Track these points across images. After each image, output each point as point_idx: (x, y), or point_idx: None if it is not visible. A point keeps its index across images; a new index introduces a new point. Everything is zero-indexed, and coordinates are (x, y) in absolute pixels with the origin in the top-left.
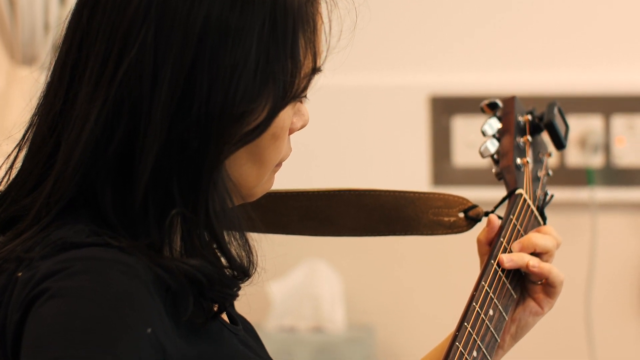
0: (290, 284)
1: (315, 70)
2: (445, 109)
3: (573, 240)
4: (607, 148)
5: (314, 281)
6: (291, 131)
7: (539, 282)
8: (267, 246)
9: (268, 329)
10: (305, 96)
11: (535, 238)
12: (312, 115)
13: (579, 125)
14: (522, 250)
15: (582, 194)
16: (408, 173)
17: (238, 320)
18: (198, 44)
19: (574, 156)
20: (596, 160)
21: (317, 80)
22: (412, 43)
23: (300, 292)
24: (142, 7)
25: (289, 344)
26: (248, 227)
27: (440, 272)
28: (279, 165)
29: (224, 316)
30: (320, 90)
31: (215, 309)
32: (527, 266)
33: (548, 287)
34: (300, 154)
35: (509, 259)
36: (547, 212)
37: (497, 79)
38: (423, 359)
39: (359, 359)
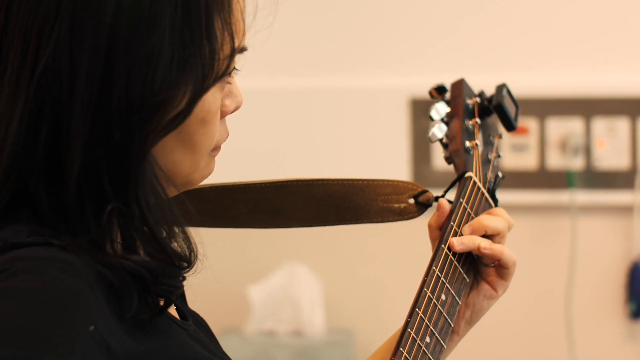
0: (270, 287)
1: (235, 50)
2: (426, 111)
3: (553, 243)
4: (587, 151)
5: (294, 285)
6: (224, 114)
7: (492, 265)
8: (246, 250)
9: (247, 333)
10: (229, 76)
11: (486, 220)
12: (291, 118)
13: (559, 128)
14: (472, 232)
15: (562, 196)
16: (388, 176)
17: (188, 316)
18: (111, 36)
19: (555, 159)
20: (576, 163)
21: (240, 60)
22: (392, 45)
23: (279, 295)
24: (53, 3)
25: (268, 348)
26: (196, 222)
27: (420, 276)
28: (216, 149)
29: (173, 312)
30: (299, 93)
31: (162, 303)
32: (478, 249)
33: (501, 269)
34: (278, 158)
35: (459, 242)
36: (527, 215)
37: (477, 82)
38: (378, 349)
39: None
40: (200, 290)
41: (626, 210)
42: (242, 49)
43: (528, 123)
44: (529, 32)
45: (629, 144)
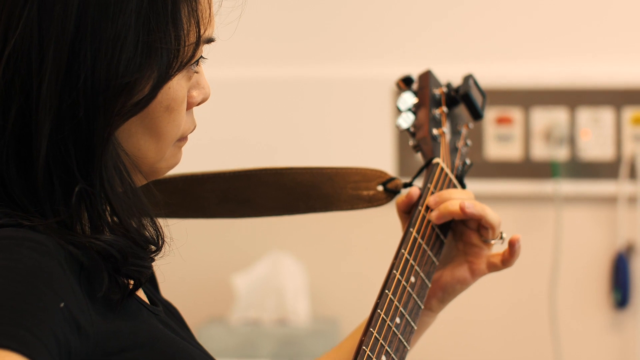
0: (255, 276)
1: (201, 38)
2: None
3: (538, 233)
4: (572, 141)
5: (278, 274)
6: (190, 105)
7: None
8: (231, 239)
9: (232, 322)
10: (196, 66)
11: (448, 192)
12: (275, 108)
13: (544, 118)
14: (441, 200)
15: (547, 187)
16: (374, 166)
17: (158, 302)
18: (79, 18)
19: (539, 149)
20: (561, 153)
21: (209, 50)
22: (377, 36)
23: (264, 284)
24: None
25: (253, 337)
26: (166, 212)
27: None
28: (183, 139)
29: (144, 297)
30: (284, 83)
31: (131, 285)
32: (461, 208)
33: (484, 230)
34: (263, 147)
35: (436, 215)
36: (512, 205)
37: (462, 72)
38: (351, 334)
39: (323, 351)
40: (185, 280)
41: (610, 200)
42: (210, 40)
43: (513, 113)
44: (515, 23)
45: (614, 134)
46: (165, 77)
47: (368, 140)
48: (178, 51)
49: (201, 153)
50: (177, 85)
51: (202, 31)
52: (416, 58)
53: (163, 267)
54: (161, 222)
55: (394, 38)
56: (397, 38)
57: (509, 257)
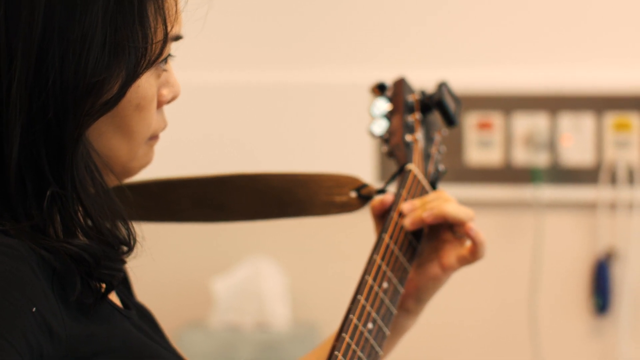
0: (235, 281)
1: (168, 35)
2: None
3: (518, 239)
4: (552, 146)
5: (258, 278)
6: (160, 103)
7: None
8: (211, 243)
9: (212, 326)
10: (164, 64)
11: (420, 199)
12: (257, 113)
13: (524, 124)
14: (414, 208)
15: (527, 192)
16: (354, 171)
17: (131, 306)
18: (45, 19)
19: (520, 154)
20: (542, 159)
21: (177, 48)
22: (357, 40)
23: (244, 289)
24: None
25: (232, 341)
26: (140, 216)
27: None
28: (154, 138)
29: (117, 301)
30: (266, 88)
31: (103, 289)
32: (423, 220)
33: (455, 226)
34: (244, 151)
35: (409, 222)
36: (492, 211)
37: (444, 76)
38: (326, 339)
39: (302, 355)
40: (165, 284)
41: (591, 206)
42: (177, 37)
43: (493, 118)
44: (495, 28)
45: (594, 140)
46: (133, 76)
47: (349, 145)
48: (146, 49)
49: (183, 157)
50: (147, 83)
51: (169, 28)
52: (397, 63)
53: (142, 272)
54: (136, 226)
55: (375, 43)
56: (378, 43)
57: (475, 247)
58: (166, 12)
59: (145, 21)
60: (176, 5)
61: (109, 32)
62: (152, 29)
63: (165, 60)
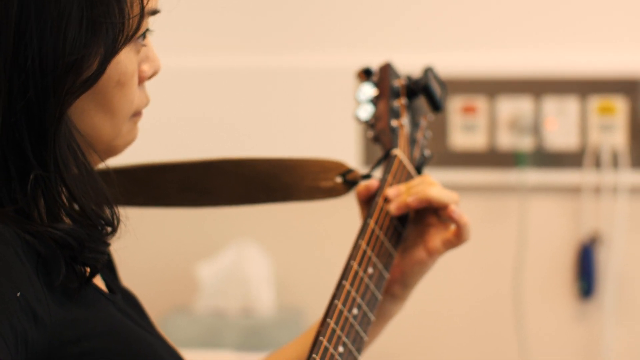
0: (219, 266)
1: (144, 9)
2: None
3: (503, 222)
4: (537, 130)
5: (243, 263)
6: (142, 79)
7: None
8: (196, 228)
9: (197, 311)
10: (143, 39)
11: (406, 184)
12: (242, 97)
13: (509, 107)
14: (399, 193)
15: (511, 176)
16: (340, 156)
17: (117, 290)
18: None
19: (504, 138)
20: (526, 143)
21: (154, 22)
22: (343, 25)
23: (229, 274)
24: None
25: (217, 326)
26: (126, 201)
27: None
28: (137, 115)
29: (103, 286)
30: (250, 72)
31: (88, 272)
32: (408, 205)
33: (440, 210)
34: (228, 137)
35: (394, 207)
36: (476, 194)
37: (428, 60)
38: (313, 325)
39: (288, 341)
40: (150, 269)
41: (575, 190)
42: (154, 11)
43: (477, 102)
44: (479, 12)
45: (579, 123)
46: (112, 52)
47: (335, 130)
48: (123, 24)
49: (170, 141)
50: (126, 59)
51: (145, 2)
52: (383, 47)
53: (127, 257)
54: (121, 210)
55: (360, 28)
56: (363, 28)
57: (460, 230)
58: None
59: None
60: None
61: (85, 9)
62: (129, 4)
63: (144, 35)
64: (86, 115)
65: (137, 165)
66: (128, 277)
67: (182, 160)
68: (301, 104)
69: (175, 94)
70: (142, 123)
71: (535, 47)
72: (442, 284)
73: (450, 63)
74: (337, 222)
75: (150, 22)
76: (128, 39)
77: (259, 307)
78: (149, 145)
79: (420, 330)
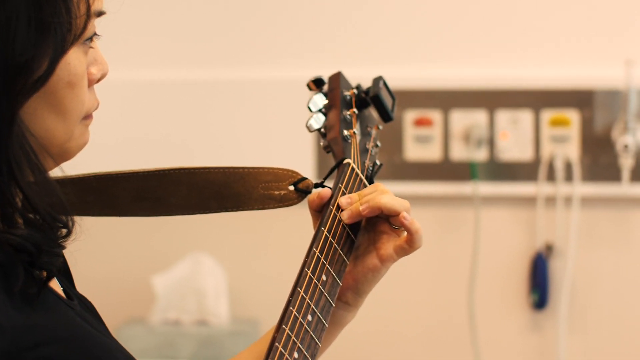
0: (175, 277)
1: (90, 8)
2: None
3: (457, 233)
4: (491, 142)
5: (198, 275)
6: (91, 81)
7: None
8: (151, 239)
9: (152, 322)
10: (90, 41)
11: (359, 193)
12: (194, 110)
13: (463, 120)
14: (352, 202)
15: (466, 187)
16: (295, 166)
17: (74, 296)
18: None
19: (458, 150)
20: (480, 155)
21: (100, 22)
22: (293, 37)
23: (184, 285)
24: None
25: (173, 337)
26: (80, 210)
27: None
28: (88, 117)
29: (60, 292)
30: (201, 85)
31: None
32: (359, 213)
33: (391, 217)
34: (180, 149)
35: (347, 215)
36: (431, 206)
37: (382, 73)
38: (267, 332)
39: None
40: (105, 280)
41: (529, 201)
42: (100, 13)
43: (432, 115)
44: (434, 25)
45: (532, 136)
46: (61, 51)
47: (289, 140)
48: (70, 24)
49: (117, 153)
50: (76, 60)
51: (90, 2)
52: (337, 61)
53: (83, 267)
54: (77, 220)
55: (311, 40)
56: (314, 39)
57: (411, 236)
58: None
59: None
60: None
61: (33, 9)
62: (75, 4)
63: (91, 38)
64: (38, 117)
65: (91, 175)
66: (83, 288)
67: (136, 169)
68: (257, 115)
69: (127, 106)
70: (97, 136)
71: (490, 61)
72: (397, 294)
73: (405, 76)
74: (291, 232)
75: (104, 32)
76: (76, 39)
77: (214, 318)
78: (101, 158)
79: (374, 339)
